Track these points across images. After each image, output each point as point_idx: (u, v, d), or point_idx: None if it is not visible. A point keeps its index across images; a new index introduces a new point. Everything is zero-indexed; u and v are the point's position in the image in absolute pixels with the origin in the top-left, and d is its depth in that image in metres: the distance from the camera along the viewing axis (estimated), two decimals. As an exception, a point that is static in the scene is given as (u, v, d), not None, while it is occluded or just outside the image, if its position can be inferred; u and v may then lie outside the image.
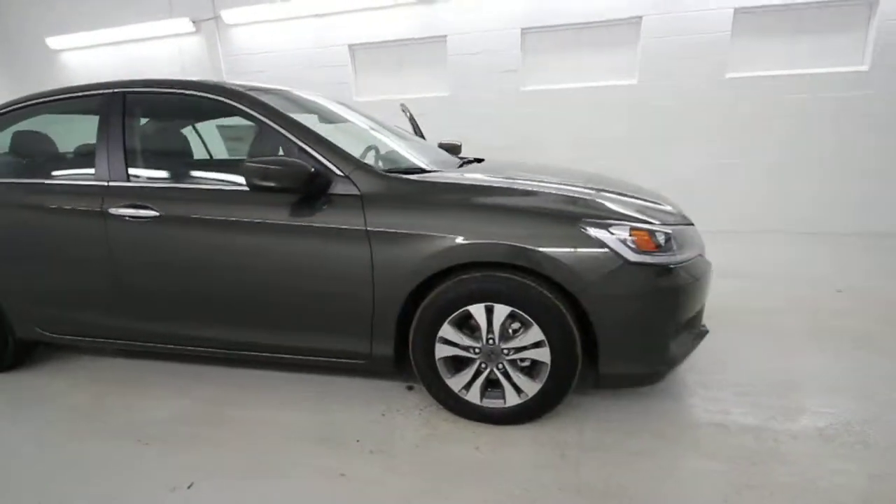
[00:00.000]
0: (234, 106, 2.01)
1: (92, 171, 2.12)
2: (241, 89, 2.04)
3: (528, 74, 5.08)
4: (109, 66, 6.49)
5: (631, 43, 4.78)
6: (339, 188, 1.86)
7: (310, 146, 1.90)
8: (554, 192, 1.90)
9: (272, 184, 1.74)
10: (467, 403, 1.91)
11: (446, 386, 1.90)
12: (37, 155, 2.37)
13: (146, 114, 2.25)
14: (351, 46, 5.50)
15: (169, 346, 2.20)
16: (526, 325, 1.78)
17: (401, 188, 1.87)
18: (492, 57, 5.06)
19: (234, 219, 1.92)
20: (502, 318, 1.77)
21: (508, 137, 5.11)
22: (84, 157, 2.23)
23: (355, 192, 1.86)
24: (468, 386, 1.88)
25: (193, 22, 5.80)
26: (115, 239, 2.04)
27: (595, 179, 2.27)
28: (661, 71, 4.70)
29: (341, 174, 1.87)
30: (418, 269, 1.76)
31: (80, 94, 2.23)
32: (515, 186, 1.89)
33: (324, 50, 5.56)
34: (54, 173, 2.29)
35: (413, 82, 5.51)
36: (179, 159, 2.30)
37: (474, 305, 1.77)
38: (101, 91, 2.17)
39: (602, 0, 4.66)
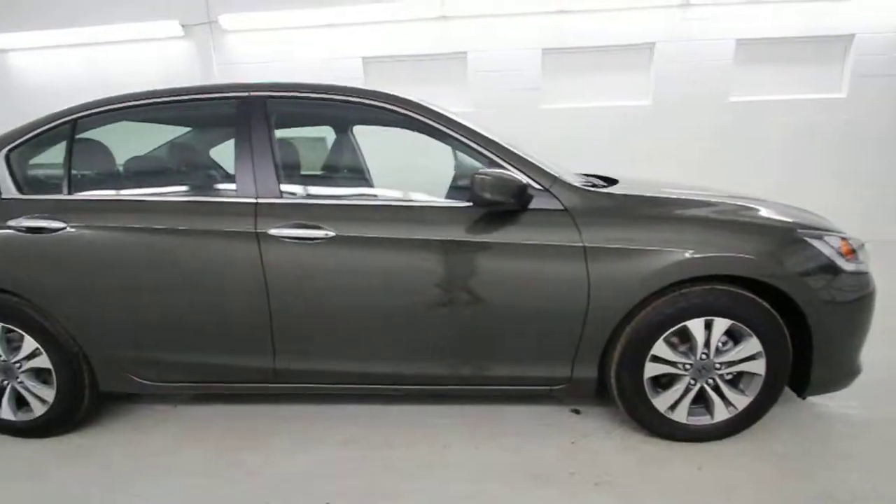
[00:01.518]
0: (406, 115, 1.83)
1: (229, 186, 1.81)
2: (410, 98, 1.86)
3: (548, 93, 5.22)
4: (67, 72, 5.70)
5: (644, 67, 5.10)
6: (540, 203, 1.76)
7: (507, 160, 1.77)
8: (752, 205, 1.92)
9: (499, 198, 1.60)
10: (672, 422, 1.85)
11: (652, 406, 1.83)
12: (139, 167, 1.98)
13: (292, 121, 1.98)
14: (365, 59, 5.31)
15: (322, 385, 1.91)
16: (737, 338, 1.78)
17: (603, 202, 1.81)
18: (513, 75, 5.14)
19: (423, 238, 1.73)
20: (721, 332, 1.75)
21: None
22: (205, 169, 1.90)
23: (559, 206, 1.76)
24: (675, 405, 1.83)
25: (183, 26, 5.28)
26: (272, 263, 1.74)
27: (733, 193, 2.35)
28: (673, 94, 5.05)
29: (541, 188, 1.77)
30: (644, 285, 1.69)
31: (205, 95, 1.91)
32: (712, 199, 1.90)
33: (334, 62, 5.30)
34: (167, 189, 1.93)
35: (431, 98, 5.40)
36: (341, 171, 2.03)
37: (693, 320, 1.74)
38: (236, 94, 1.87)
39: (618, 26, 4.94)
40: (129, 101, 1.94)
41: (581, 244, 1.71)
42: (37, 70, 5.77)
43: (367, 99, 1.86)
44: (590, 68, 5.15)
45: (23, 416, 2.01)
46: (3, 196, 1.89)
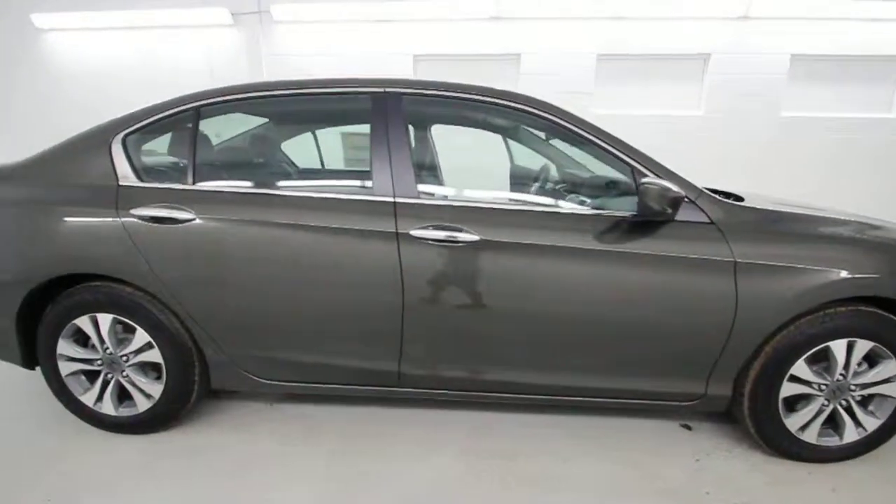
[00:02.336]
0: (547, 119, 1.79)
1: (364, 183, 1.75)
2: (551, 102, 1.82)
3: (600, 98, 5.18)
4: (109, 55, 5.59)
5: (698, 77, 5.08)
6: (686, 215, 1.71)
7: (654, 170, 1.73)
8: (876, 223, 1.90)
9: (664, 208, 1.56)
10: (802, 443, 1.82)
11: (783, 426, 1.80)
12: (265, 159, 1.92)
13: (427, 120, 1.92)
14: (416, 56, 5.25)
15: (445, 391, 1.86)
16: (873, 360, 1.75)
17: (747, 217, 1.77)
18: (565, 78, 5.09)
19: (571, 246, 1.68)
20: (862, 354, 1.72)
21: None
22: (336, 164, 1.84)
23: (705, 219, 1.72)
24: (806, 425, 1.80)
25: (233, 14, 5.20)
26: (411, 264, 1.69)
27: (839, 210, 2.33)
28: (725, 105, 5.03)
29: (687, 200, 1.73)
30: (797, 303, 1.65)
31: (338, 89, 1.85)
32: (844, 218, 1.87)
33: (384, 58, 5.23)
34: (296, 183, 1.86)
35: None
36: (483, 174, 1.97)
37: (837, 341, 1.71)
38: (371, 89, 1.82)
39: (675, 35, 4.91)
40: (256, 92, 1.88)
41: (731, 259, 1.67)
42: (77, 52, 5.65)
43: (506, 101, 1.81)
44: (643, 76, 5.12)
45: (124, 412, 1.95)
46: (121, 183, 1.83)
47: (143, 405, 1.93)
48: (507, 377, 1.82)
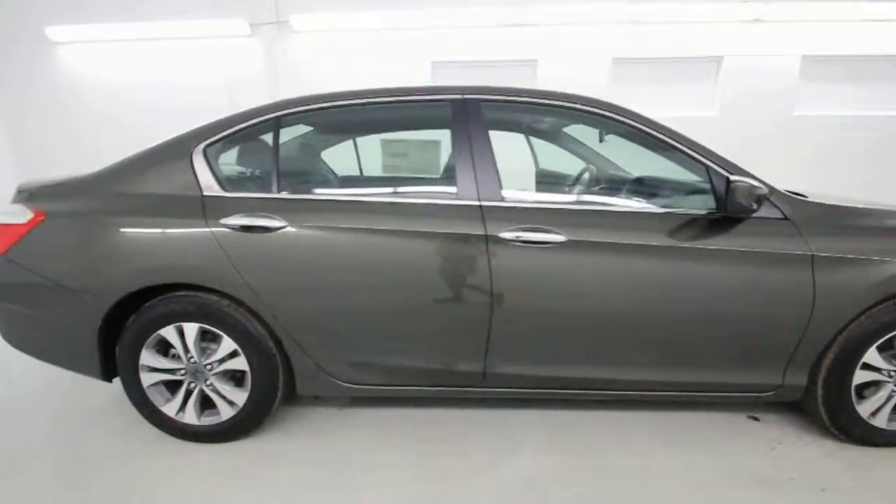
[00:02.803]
0: (624, 123, 1.86)
1: (447, 188, 1.80)
2: (627, 106, 1.88)
3: (615, 101, 5.26)
4: (124, 68, 5.57)
5: (711, 78, 5.21)
6: (762, 211, 1.78)
7: (730, 170, 1.79)
8: None
9: (753, 205, 1.62)
10: (873, 428, 1.89)
11: (856, 412, 1.86)
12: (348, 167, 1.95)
13: (505, 125, 1.97)
14: (434, 63, 5.31)
15: (527, 390, 1.90)
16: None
17: (817, 211, 1.84)
18: (582, 82, 5.16)
19: (654, 244, 1.74)
20: (931, 343, 1.80)
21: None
22: (418, 170, 1.89)
23: (779, 215, 1.79)
24: (877, 411, 1.87)
25: (251, 25, 5.22)
26: (500, 266, 1.73)
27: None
28: (738, 105, 5.16)
29: None
30: (871, 293, 1.72)
31: (416, 97, 1.89)
32: None
33: (402, 65, 5.29)
34: (379, 189, 1.90)
35: (497, 103, 5.45)
36: (560, 176, 2.03)
37: (905, 329, 1.78)
38: (450, 96, 1.86)
39: (689, 39, 5.03)
40: (335, 101, 1.92)
41: (809, 253, 1.74)
42: (92, 64, 5.63)
43: (584, 105, 1.87)
44: (657, 78, 5.23)
45: (206, 421, 1.96)
46: (205, 193, 1.85)
47: (226, 413, 1.94)
48: (590, 374, 1.86)
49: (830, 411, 1.88)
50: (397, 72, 5.29)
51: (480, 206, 1.77)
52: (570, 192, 2.04)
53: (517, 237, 1.72)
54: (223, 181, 1.87)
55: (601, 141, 2.39)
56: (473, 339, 1.81)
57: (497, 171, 1.80)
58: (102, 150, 6.05)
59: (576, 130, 2.15)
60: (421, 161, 2.98)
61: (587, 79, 5.17)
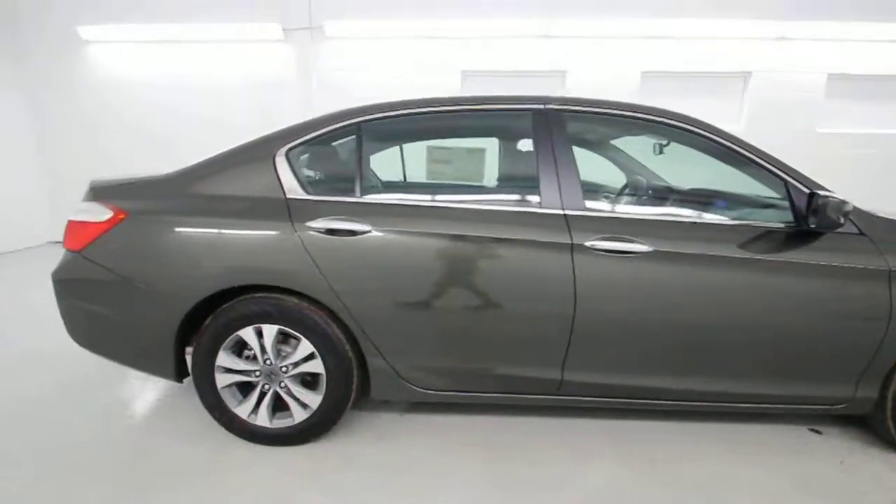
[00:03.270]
0: (706, 138, 1.89)
1: (531, 196, 1.82)
2: (710, 123, 1.92)
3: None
4: (155, 68, 5.61)
5: (738, 94, 5.28)
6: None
7: (811, 186, 1.82)
8: None
9: (840, 220, 1.65)
10: (944, 443, 1.91)
11: (927, 426, 1.88)
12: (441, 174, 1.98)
13: (585, 135, 2.00)
14: (464, 73, 5.37)
15: (601, 399, 1.91)
16: None
17: (890, 227, 1.87)
18: (610, 94, 5.23)
19: (737, 256, 1.76)
20: None
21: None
22: (500, 178, 1.91)
23: (855, 230, 1.82)
24: (949, 425, 1.89)
25: (284, 30, 5.27)
26: (584, 275, 1.75)
27: None
28: (763, 121, 5.23)
29: None
30: None
31: (498, 106, 1.92)
32: None
33: (433, 73, 5.34)
34: (461, 196, 1.91)
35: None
36: (642, 187, 2.05)
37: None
38: (532, 106, 1.89)
39: (717, 54, 5.12)
40: (415, 108, 1.94)
41: (886, 268, 1.76)
42: (119, 64, 5.66)
43: (665, 118, 1.90)
44: (685, 92, 5.30)
45: (277, 423, 1.96)
46: (289, 196, 1.86)
47: (299, 416, 1.94)
48: (667, 384, 1.88)
49: (898, 424, 1.90)
50: (428, 80, 5.36)
51: (565, 215, 1.79)
52: (647, 204, 2.06)
53: (603, 246, 1.75)
54: (305, 184, 1.89)
55: (660, 153, 2.42)
56: (553, 346, 1.82)
57: (580, 181, 1.83)
58: (131, 148, 6.10)
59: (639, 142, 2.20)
60: (465, 169, 3.01)
61: (616, 91, 5.23)
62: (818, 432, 2.16)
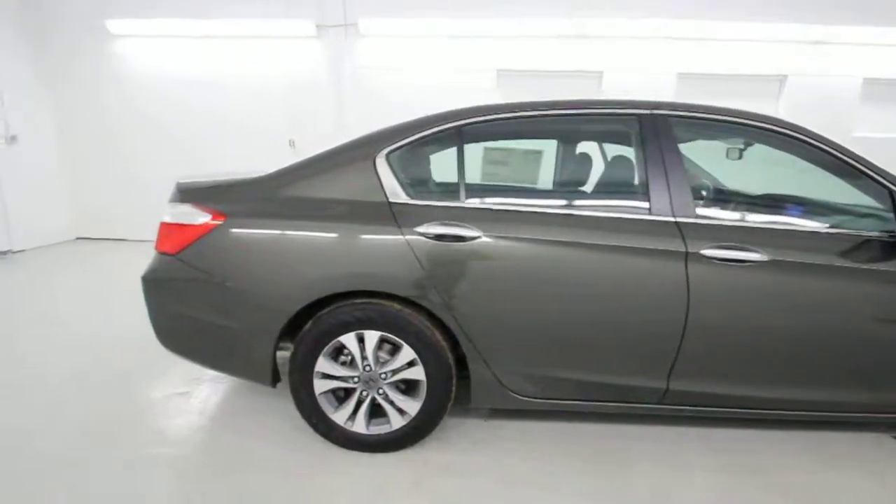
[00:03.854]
0: (810, 145, 1.88)
1: (639, 203, 1.80)
2: (812, 129, 1.90)
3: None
4: (179, 64, 5.54)
5: (774, 96, 5.28)
6: (944, 237, 1.80)
7: None
8: None
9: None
10: None
11: None
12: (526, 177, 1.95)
13: (689, 140, 1.98)
14: (499, 71, 5.33)
15: (705, 408, 1.90)
16: None
17: None
18: (646, 96, 5.23)
19: (856, 266, 1.75)
20: None
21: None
22: (606, 184, 1.88)
23: (959, 241, 1.81)
24: None
25: (317, 26, 5.21)
26: (698, 283, 1.72)
27: None
28: (800, 123, 5.22)
29: None
30: None
31: (602, 111, 1.89)
32: None
33: (467, 72, 5.31)
34: (567, 202, 1.89)
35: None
36: (741, 194, 2.04)
37: None
38: (636, 111, 1.87)
39: (754, 56, 5.11)
40: (517, 112, 1.91)
41: None
42: (147, 59, 5.58)
43: (774, 126, 1.89)
44: (721, 93, 5.28)
45: (373, 430, 1.93)
46: (391, 200, 1.83)
47: (396, 423, 1.91)
48: (773, 393, 1.86)
49: None
50: (464, 79, 5.33)
51: (676, 223, 1.77)
52: (757, 211, 2.06)
53: (720, 255, 1.72)
54: (407, 188, 1.86)
55: (738, 157, 2.41)
56: (661, 355, 1.80)
57: (690, 188, 1.80)
58: (156, 146, 6.03)
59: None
60: (521, 170, 2.98)
61: (652, 92, 5.21)
62: (903, 440, 2.17)
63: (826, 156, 1.88)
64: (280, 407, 2.24)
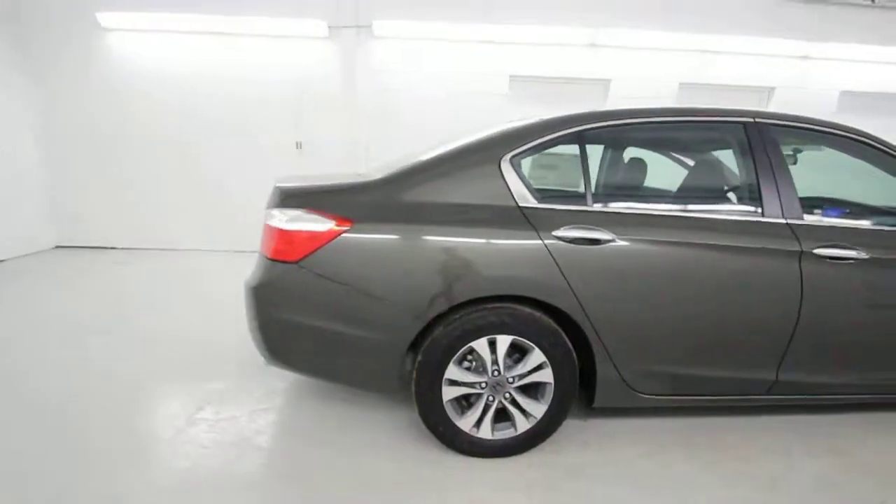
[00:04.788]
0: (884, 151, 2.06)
1: (747, 206, 1.92)
2: None
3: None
4: (176, 60, 5.23)
5: (763, 106, 5.68)
6: None
7: None
8: None
9: None
10: None
11: None
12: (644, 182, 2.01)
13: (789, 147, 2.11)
14: (511, 77, 5.42)
15: (809, 396, 2.03)
16: None
17: None
18: (652, 103, 5.49)
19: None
20: None
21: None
22: (720, 189, 1.98)
23: None
24: None
25: (329, 27, 5.08)
26: (811, 280, 1.86)
27: None
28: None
29: None
30: None
31: (710, 118, 2.00)
32: None
33: (480, 77, 5.36)
34: (669, 206, 1.97)
35: (568, 119, 5.64)
36: (836, 198, 2.18)
37: None
38: (740, 119, 1.99)
39: (749, 69, 5.48)
40: (634, 118, 1.98)
41: None
42: (139, 55, 5.22)
43: (861, 137, 2.06)
44: (716, 102, 5.64)
45: (498, 435, 1.92)
46: (521, 204, 1.83)
47: (521, 427, 1.91)
48: (867, 379, 2.03)
49: None
50: (477, 84, 5.38)
51: (788, 224, 1.89)
52: (853, 215, 2.25)
53: (829, 254, 1.86)
54: (533, 192, 1.87)
55: (794, 163, 2.61)
56: (775, 347, 1.92)
57: (796, 191, 1.94)
58: (148, 148, 5.67)
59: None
60: (568, 175, 3.06)
61: (654, 99, 5.48)
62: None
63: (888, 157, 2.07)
64: (364, 418, 2.21)
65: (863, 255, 1.88)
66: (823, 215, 2.03)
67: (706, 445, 2.08)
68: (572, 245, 1.78)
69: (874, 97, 5.70)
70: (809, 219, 1.94)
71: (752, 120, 1.99)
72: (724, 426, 2.22)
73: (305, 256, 1.78)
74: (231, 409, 2.27)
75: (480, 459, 1.93)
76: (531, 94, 5.54)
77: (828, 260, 1.87)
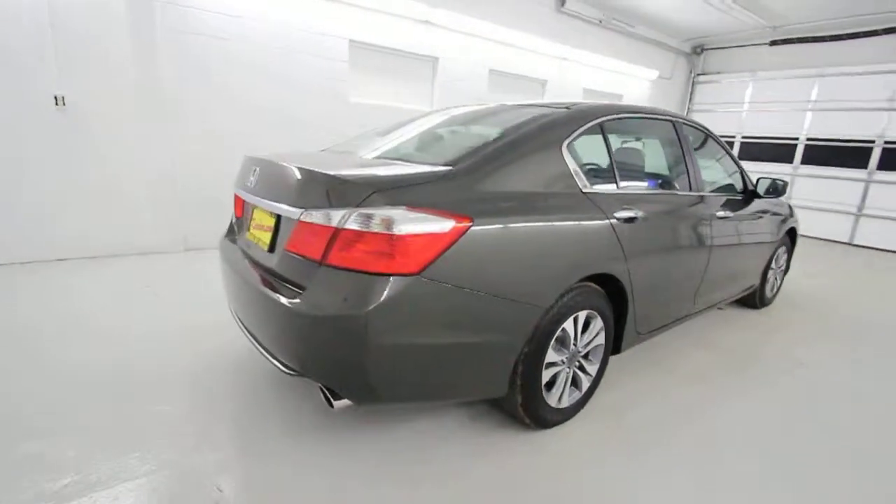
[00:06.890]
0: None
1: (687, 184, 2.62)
2: None
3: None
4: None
5: (538, 96, 7.06)
6: None
7: None
8: None
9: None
10: None
11: None
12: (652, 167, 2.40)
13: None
14: (352, 42, 5.00)
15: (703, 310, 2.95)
16: None
17: None
18: (468, 85, 6.07)
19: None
20: None
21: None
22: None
23: None
24: None
25: None
26: (714, 233, 2.71)
27: None
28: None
29: None
30: None
31: (656, 117, 2.55)
32: None
33: (319, 37, 4.76)
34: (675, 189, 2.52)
35: (403, 92, 5.64)
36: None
37: None
38: (670, 118, 2.63)
39: (532, 64, 6.68)
40: (637, 114, 2.39)
41: None
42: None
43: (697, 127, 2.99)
44: (516, 91, 6.70)
45: (569, 401, 2.09)
46: (583, 190, 1.97)
47: (584, 387, 2.15)
48: (730, 290, 3.12)
49: None
50: (313, 43, 4.82)
51: (701, 196, 2.69)
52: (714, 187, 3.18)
53: (720, 214, 2.76)
54: (584, 177, 2.02)
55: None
56: (696, 282, 2.74)
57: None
58: None
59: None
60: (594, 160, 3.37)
61: (472, 81, 6.12)
62: None
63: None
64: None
65: (728, 214, 2.87)
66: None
67: (664, 359, 2.83)
68: (623, 224, 2.07)
69: (610, 97, 7.93)
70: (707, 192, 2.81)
71: (674, 119, 2.69)
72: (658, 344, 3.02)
73: (427, 265, 1.48)
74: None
75: (559, 427, 2.08)
76: (370, 64, 5.30)
77: (718, 219, 2.78)
